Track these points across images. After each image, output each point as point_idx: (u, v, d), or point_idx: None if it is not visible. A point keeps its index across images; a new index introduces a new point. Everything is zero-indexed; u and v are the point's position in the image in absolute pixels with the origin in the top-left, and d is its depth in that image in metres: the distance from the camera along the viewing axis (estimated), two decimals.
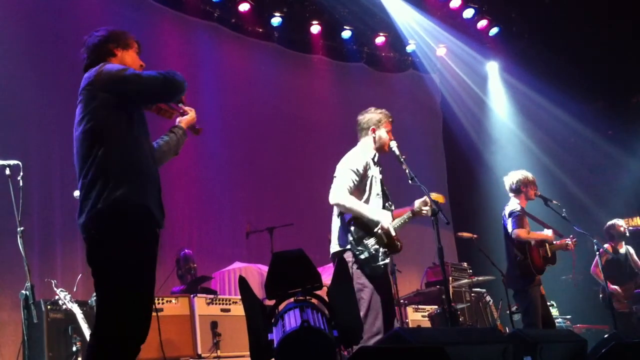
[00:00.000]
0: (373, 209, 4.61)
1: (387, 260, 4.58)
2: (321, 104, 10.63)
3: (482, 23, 10.95)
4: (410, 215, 4.81)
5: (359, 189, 4.66)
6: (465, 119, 11.55)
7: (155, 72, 3.18)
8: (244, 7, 9.35)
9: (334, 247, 4.69)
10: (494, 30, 11.11)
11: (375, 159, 4.85)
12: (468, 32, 10.99)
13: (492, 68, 11.88)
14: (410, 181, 4.71)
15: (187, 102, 3.57)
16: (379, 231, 4.54)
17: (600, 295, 8.24)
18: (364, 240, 4.53)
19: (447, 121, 12.01)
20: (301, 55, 10.59)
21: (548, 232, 6.25)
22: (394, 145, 4.84)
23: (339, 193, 4.58)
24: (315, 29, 10.21)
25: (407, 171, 4.71)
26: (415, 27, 10.81)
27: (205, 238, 8.50)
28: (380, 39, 10.91)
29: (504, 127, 11.67)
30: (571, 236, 6.46)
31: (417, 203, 4.79)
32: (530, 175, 6.45)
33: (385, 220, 4.55)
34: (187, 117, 3.57)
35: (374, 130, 4.87)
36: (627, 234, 8.30)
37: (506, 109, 11.71)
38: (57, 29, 7.37)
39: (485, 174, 10.94)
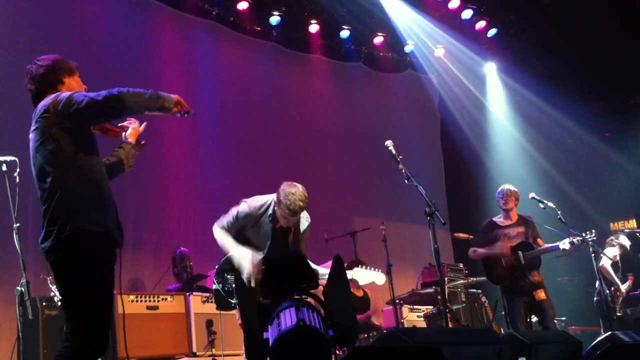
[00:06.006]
0: (238, 246, 4.47)
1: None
2: (319, 103, 10.62)
3: (481, 24, 10.96)
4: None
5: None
6: (462, 119, 11.55)
7: (103, 91, 3.24)
8: (242, 5, 9.34)
9: None
10: (492, 32, 11.12)
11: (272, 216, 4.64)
12: (466, 33, 11.00)
13: (490, 69, 11.88)
14: (406, 181, 4.71)
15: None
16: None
17: (595, 298, 8.26)
18: (225, 274, 4.54)
19: (444, 122, 12.02)
20: (299, 54, 10.58)
21: (497, 249, 6.36)
22: (390, 144, 4.86)
23: (214, 228, 4.68)
24: (313, 28, 10.21)
25: (403, 171, 4.72)
26: (413, 28, 10.81)
27: (202, 236, 8.47)
28: (378, 39, 10.91)
29: (501, 128, 11.68)
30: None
31: None
32: (500, 189, 6.59)
33: (246, 262, 4.38)
34: (131, 130, 3.71)
35: (276, 204, 4.60)
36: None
37: (504, 110, 11.72)
38: (55, 26, 7.36)
39: (482, 174, 10.95)
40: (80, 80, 3.54)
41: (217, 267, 4.67)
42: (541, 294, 6.27)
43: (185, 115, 3.49)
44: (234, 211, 4.67)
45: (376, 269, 4.80)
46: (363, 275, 4.72)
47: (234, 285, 4.46)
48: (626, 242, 8.28)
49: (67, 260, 3.12)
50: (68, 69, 3.47)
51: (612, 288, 8.11)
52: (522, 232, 6.44)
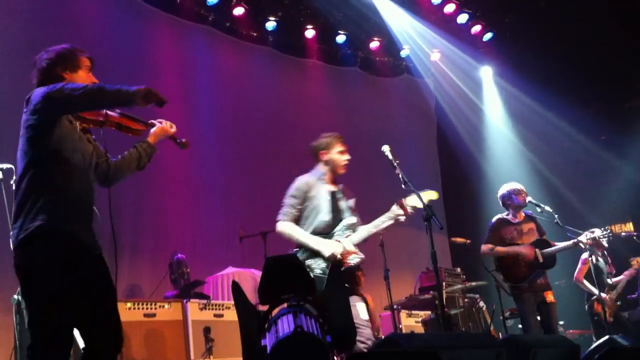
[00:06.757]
0: (315, 239, 4.63)
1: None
2: (315, 108, 10.62)
3: (476, 28, 10.98)
4: (386, 221, 4.80)
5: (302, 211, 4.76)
6: (459, 123, 11.56)
7: (77, 84, 3.11)
8: (238, 10, 9.35)
9: None
10: (487, 36, 11.15)
11: (324, 178, 4.87)
12: (462, 37, 11.02)
13: (486, 73, 11.91)
14: (403, 185, 4.71)
15: (166, 113, 3.53)
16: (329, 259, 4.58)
17: (587, 305, 8.26)
18: (308, 262, 4.58)
19: (441, 126, 12.03)
20: (296, 59, 10.59)
21: (524, 250, 6.18)
22: (386, 149, 4.87)
23: (278, 222, 4.76)
24: (309, 33, 10.22)
25: (400, 175, 4.71)
26: (409, 32, 10.84)
27: (199, 242, 8.48)
28: (374, 44, 10.93)
29: (497, 131, 11.70)
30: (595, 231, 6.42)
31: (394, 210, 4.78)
32: (510, 187, 6.50)
33: (329, 249, 4.57)
34: (155, 129, 3.58)
35: (323, 154, 4.90)
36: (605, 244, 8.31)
37: (500, 114, 11.74)
38: (52, 32, 7.33)
39: (479, 178, 10.96)
40: (88, 74, 3.36)
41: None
42: (551, 296, 6.22)
43: (161, 107, 3.29)
44: (290, 192, 4.79)
45: (425, 190, 4.85)
46: (418, 200, 4.73)
47: (317, 272, 4.52)
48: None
49: (21, 265, 3.04)
50: (72, 64, 3.31)
51: (593, 298, 8.10)
52: (533, 229, 6.38)
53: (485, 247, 6.37)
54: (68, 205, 3.10)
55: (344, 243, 4.68)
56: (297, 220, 4.75)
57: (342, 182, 5.01)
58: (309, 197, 4.75)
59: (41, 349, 2.94)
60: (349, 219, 4.82)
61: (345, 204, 4.88)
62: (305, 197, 4.74)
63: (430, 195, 4.87)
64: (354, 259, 4.65)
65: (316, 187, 4.80)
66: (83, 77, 3.33)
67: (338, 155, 4.90)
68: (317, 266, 4.56)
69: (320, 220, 4.71)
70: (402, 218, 4.74)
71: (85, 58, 3.38)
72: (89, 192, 3.26)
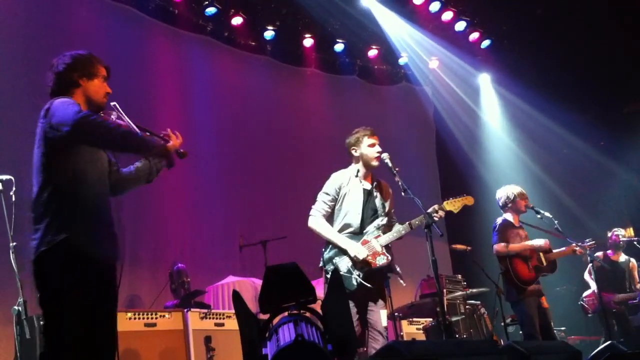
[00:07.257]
0: (342, 238, 4.71)
1: (358, 281, 4.61)
2: (314, 117, 10.64)
3: (474, 36, 11.00)
4: (408, 228, 4.83)
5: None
6: (458, 130, 11.57)
7: (107, 123, 3.12)
8: (236, 20, 9.37)
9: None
10: (485, 43, 11.17)
11: (358, 175, 4.91)
12: (460, 45, 11.04)
13: (484, 80, 11.93)
14: (403, 193, 4.73)
15: (175, 123, 3.57)
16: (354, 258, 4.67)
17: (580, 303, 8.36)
18: (334, 260, 4.65)
19: (440, 133, 12.04)
20: (294, 68, 10.61)
21: (537, 242, 6.23)
22: (386, 157, 4.88)
23: (310, 218, 4.85)
24: (308, 42, 10.24)
25: (400, 183, 4.73)
26: (407, 40, 10.86)
27: (199, 252, 8.46)
28: (372, 52, 10.96)
29: (496, 138, 11.71)
30: (589, 240, 6.55)
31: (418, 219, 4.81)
32: (515, 190, 6.52)
33: (354, 250, 4.63)
34: (169, 145, 3.54)
35: (355, 150, 4.97)
36: (622, 245, 8.34)
37: (498, 121, 11.76)
38: (49, 43, 7.35)
39: (479, 185, 10.94)
40: (103, 84, 3.38)
41: (324, 256, 4.77)
42: (545, 302, 6.25)
43: (169, 168, 3.49)
44: (323, 189, 4.88)
45: (463, 195, 5.15)
46: (454, 205, 4.99)
47: (343, 270, 4.61)
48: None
49: (43, 276, 3.05)
50: (89, 72, 3.33)
51: (585, 294, 8.19)
52: (526, 235, 6.44)
53: (500, 246, 6.31)
54: (88, 218, 3.14)
55: (373, 244, 4.70)
56: (330, 216, 4.81)
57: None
58: (342, 194, 4.80)
59: (56, 356, 2.97)
60: (381, 219, 4.83)
61: (379, 202, 4.88)
62: (338, 193, 4.80)
63: (466, 201, 5.03)
64: (381, 260, 4.68)
65: (350, 184, 4.85)
66: (97, 86, 3.36)
67: (368, 148, 4.94)
68: (343, 265, 4.62)
69: (350, 218, 4.76)
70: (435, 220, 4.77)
71: (102, 67, 3.41)
72: (107, 199, 3.32)
